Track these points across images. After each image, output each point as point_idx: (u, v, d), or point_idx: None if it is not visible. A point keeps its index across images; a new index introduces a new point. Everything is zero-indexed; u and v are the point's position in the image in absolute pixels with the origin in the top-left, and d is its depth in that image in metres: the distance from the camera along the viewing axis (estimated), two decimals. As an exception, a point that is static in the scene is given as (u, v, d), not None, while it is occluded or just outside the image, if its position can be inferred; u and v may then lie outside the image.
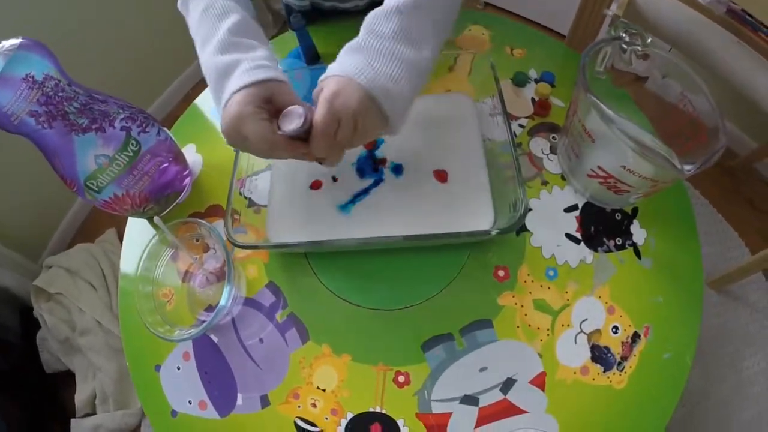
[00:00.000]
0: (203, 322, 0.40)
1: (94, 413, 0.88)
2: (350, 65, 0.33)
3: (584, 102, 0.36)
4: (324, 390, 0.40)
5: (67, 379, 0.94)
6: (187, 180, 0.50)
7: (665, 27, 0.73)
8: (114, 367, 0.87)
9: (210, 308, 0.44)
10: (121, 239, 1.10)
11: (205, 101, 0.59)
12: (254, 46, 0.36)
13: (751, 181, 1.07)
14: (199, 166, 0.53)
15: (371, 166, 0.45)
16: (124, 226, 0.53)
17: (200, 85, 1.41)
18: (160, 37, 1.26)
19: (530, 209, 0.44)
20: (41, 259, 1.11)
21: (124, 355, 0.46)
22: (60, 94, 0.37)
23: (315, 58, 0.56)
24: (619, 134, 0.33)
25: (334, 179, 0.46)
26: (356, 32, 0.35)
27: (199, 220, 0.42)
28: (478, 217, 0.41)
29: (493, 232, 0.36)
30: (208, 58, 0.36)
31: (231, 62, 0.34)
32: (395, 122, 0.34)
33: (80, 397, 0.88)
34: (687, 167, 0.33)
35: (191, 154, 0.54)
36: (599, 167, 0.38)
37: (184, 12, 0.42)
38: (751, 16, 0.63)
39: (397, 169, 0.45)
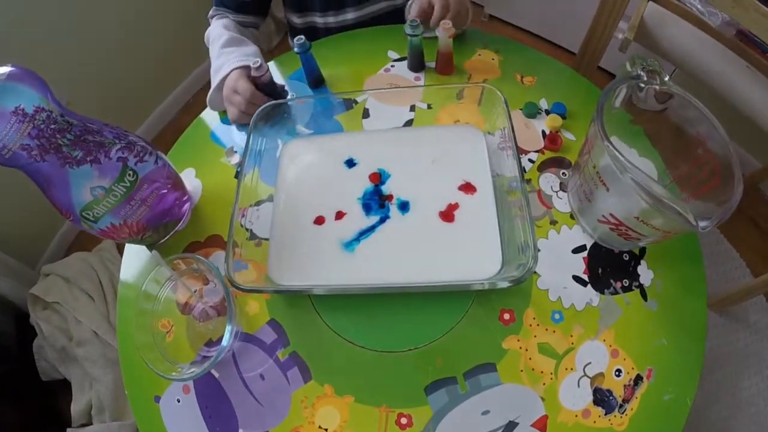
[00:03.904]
0: (204, 357, 0.39)
1: (90, 423, 0.88)
2: None
3: (599, 145, 0.35)
4: (326, 430, 0.39)
5: (64, 387, 0.94)
6: (186, 206, 0.49)
7: (674, 48, 0.72)
8: (110, 378, 0.86)
9: (210, 342, 0.43)
10: (118, 248, 1.09)
11: (209, 115, 0.57)
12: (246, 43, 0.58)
13: (754, 201, 1.06)
14: (199, 192, 0.51)
15: (377, 202, 0.44)
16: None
17: (201, 93, 1.39)
18: (161, 41, 1.23)
19: (539, 250, 0.43)
20: (38, 266, 1.09)
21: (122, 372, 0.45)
22: (52, 126, 0.35)
23: (319, 82, 0.54)
24: (634, 186, 0.32)
25: (339, 215, 0.44)
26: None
27: (198, 257, 0.41)
28: (486, 260, 0.40)
29: (503, 284, 0.35)
30: (217, 50, 0.57)
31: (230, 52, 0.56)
32: None
33: (76, 408, 0.87)
34: (702, 223, 0.32)
35: (190, 179, 0.52)
36: (611, 214, 0.37)
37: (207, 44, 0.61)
38: (759, 38, 0.62)
39: (404, 206, 0.44)
